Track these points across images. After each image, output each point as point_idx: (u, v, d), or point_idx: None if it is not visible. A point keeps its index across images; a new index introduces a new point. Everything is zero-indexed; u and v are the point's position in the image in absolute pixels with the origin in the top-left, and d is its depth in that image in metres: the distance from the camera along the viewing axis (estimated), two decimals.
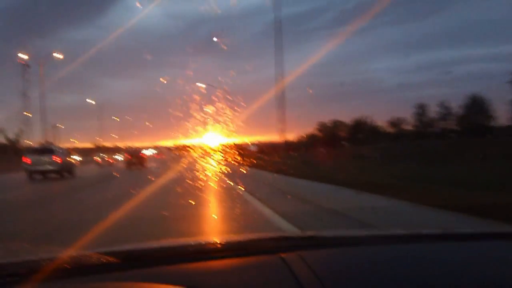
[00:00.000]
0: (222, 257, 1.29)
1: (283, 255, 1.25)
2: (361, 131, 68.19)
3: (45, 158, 21.85)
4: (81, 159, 45.70)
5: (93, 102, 73.77)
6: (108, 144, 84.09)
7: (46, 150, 22.82)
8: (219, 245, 1.43)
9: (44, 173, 22.13)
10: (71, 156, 44.88)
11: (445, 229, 1.57)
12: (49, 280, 1.12)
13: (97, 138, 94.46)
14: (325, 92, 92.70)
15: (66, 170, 23.43)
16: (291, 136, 68.46)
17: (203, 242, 1.49)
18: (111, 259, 1.20)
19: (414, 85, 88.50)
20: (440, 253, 1.34)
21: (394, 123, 68.56)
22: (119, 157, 62.35)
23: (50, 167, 21.96)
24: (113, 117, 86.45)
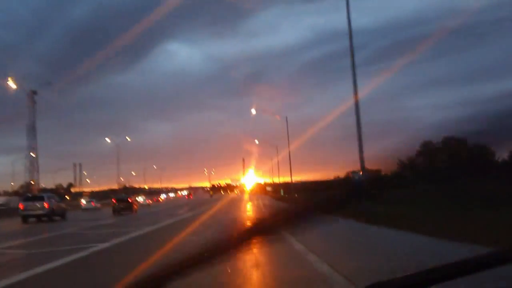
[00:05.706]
0: None
1: None
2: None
3: (36, 204, 26.13)
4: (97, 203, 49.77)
5: (115, 143, 78.32)
6: (136, 185, 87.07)
7: (37, 197, 27.40)
8: None
9: (35, 217, 26.30)
10: (88, 201, 49.92)
11: None
12: None
13: (121, 179, 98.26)
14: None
15: (57, 214, 27.53)
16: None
17: None
18: None
19: (454, 121, 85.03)
20: None
21: None
22: (141, 199, 65.00)
23: (40, 212, 26.13)
24: (146, 159, 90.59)
